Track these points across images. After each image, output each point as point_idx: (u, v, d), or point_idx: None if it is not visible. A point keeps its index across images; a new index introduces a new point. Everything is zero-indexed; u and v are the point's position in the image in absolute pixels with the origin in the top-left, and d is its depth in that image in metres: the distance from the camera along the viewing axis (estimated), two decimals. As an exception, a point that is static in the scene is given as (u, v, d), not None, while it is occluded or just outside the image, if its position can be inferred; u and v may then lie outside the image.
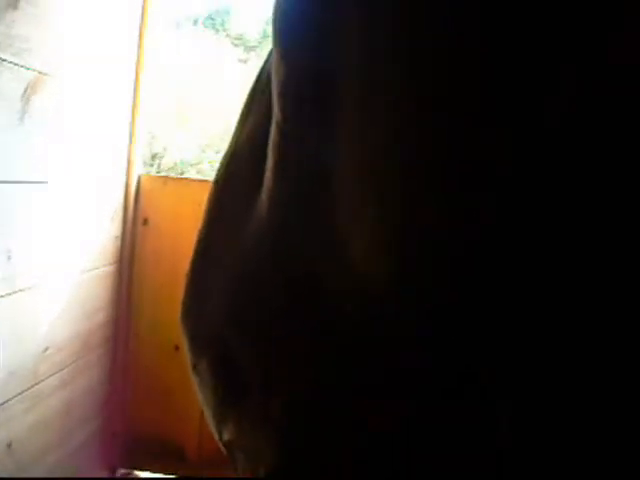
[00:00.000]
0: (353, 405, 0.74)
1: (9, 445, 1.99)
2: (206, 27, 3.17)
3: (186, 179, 2.69)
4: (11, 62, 1.80)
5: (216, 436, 0.90)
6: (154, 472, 2.76)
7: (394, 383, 0.72)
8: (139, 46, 2.55)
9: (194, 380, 0.91)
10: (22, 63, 1.85)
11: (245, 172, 0.85)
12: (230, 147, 0.92)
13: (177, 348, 2.62)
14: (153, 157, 2.71)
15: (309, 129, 0.70)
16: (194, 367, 0.90)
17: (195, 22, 3.37)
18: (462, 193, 0.62)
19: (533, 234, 0.62)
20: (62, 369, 2.28)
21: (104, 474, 2.67)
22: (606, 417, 0.64)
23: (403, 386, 0.71)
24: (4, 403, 1.95)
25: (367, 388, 0.73)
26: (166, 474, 2.75)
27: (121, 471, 2.75)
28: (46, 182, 2.04)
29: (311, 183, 0.71)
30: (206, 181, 2.58)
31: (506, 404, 0.67)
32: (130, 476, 2.74)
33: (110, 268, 2.58)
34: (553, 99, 0.59)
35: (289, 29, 0.69)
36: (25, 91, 1.88)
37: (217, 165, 0.96)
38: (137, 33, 2.54)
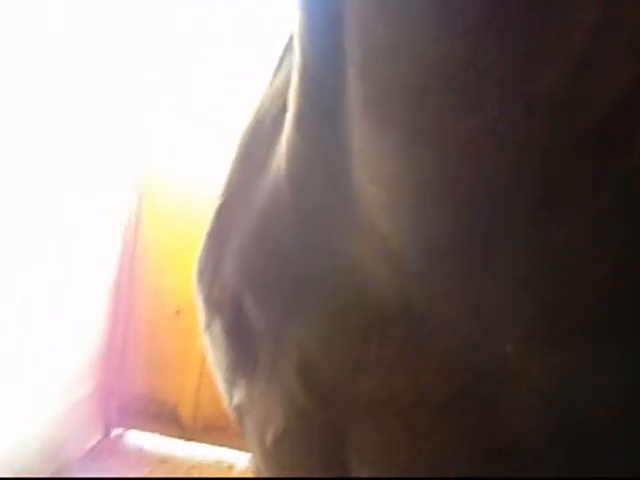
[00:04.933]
0: (365, 371, 0.73)
1: (7, 398, 2.01)
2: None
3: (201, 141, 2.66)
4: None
5: (226, 400, 0.89)
6: (148, 434, 2.77)
7: (410, 355, 0.70)
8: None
9: (206, 340, 0.90)
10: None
11: (268, 125, 0.83)
12: (259, 101, 0.90)
13: (178, 312, 2.62)
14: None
15: (326, 74, 0.67)
16: (207, 327, 0.88)
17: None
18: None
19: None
20: (63, 323, 2.28)
21: (99, 432, 2.69)
22: None
23: (420, 358, 0.70)
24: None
25: (382, 358, 0.72)
26: (160, 437, 2.76)
27: (116, 431, 2.77)
28: (54, 142, 2.03)
29: (329, 136, 0.68)
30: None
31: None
32: (124, 437, 2.76)
33: (115, 228, 2.58)
34: None
35: None
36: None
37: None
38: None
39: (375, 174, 0.64)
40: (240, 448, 2.46)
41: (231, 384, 0.86)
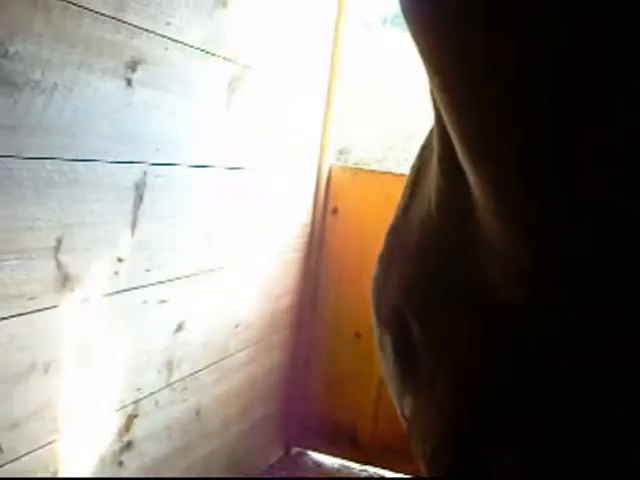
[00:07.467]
0: (515, 390, 0.76)
1: (198, 412, 2.14)
2: (394, 26, 3.24)
3: (376, 172, 2.74)
4: (219, 55, 1.92)
5: (398, 411, 0.94)
6: (326, 454, 2.85)
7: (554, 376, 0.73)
8: (334, 44, 2.63)
9: (379, 355, 0.96)
10: (229, 57, 1.97)
11: (429, 161, 0.89)
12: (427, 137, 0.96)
13: (358, 335, 2.69)
14: (340, 151, 2.79)
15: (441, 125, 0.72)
16: (379, 342, 0.94)
17: (384, 21, 3.47)
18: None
19: None
20: (249, 346, 2.40)
21: (279, 451, 2.80)
22: None
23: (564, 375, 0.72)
24: (196, 373, 2.10)
25: (519, 383, 0.75)
26: (338, 457, 2.83)
27: (294, 450, 2.87)
28: (242, 168, 2.16)
29: (460, 179, 0.73)
30: (396, 175, 2.63)
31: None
32: (303, 455, 2.84)
33: (299, 254, 2.69)
34: None
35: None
36: (230, 83, 2.00)
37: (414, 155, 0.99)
38: (332, 32, 2.62)
39: (485, 212, 0.68)
40: (416, 472, 2.49)
41: (401, 397, 0.92)
